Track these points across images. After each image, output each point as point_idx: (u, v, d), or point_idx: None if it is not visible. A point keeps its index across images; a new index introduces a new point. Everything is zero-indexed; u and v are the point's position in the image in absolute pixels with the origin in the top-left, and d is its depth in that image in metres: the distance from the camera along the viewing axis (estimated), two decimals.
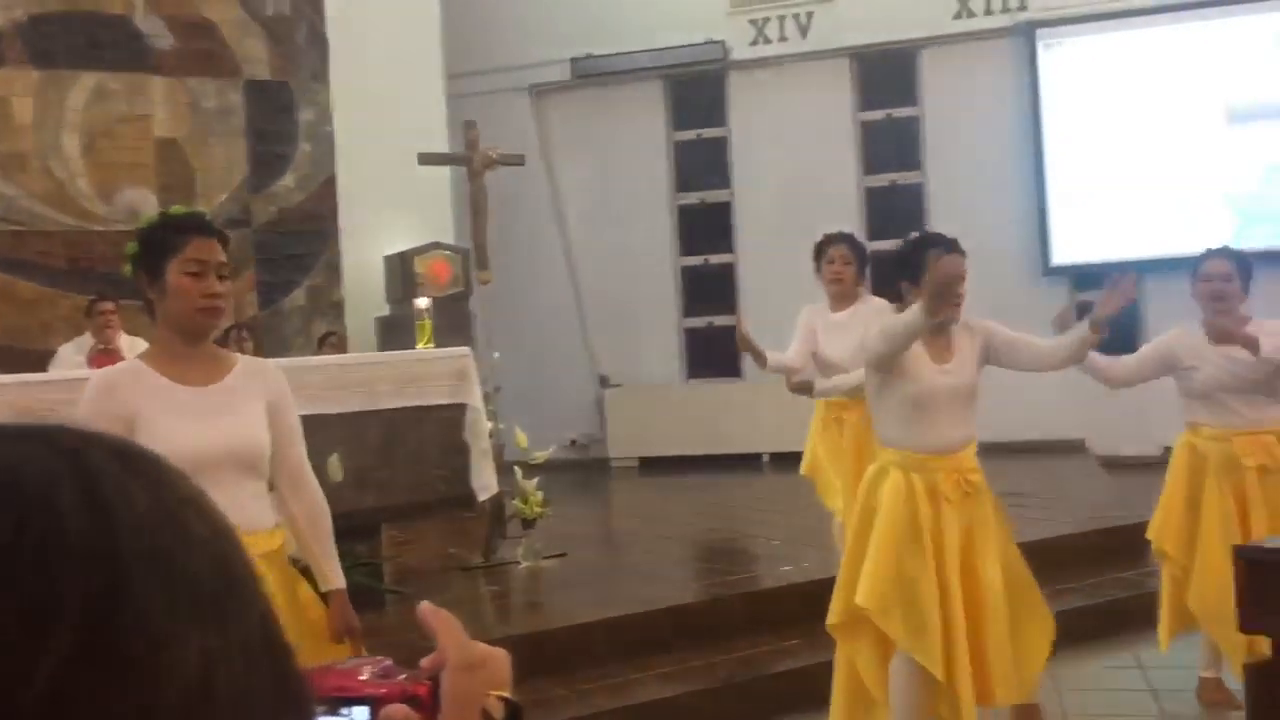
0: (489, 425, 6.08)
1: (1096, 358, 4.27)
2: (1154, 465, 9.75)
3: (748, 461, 10.40)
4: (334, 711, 0.84)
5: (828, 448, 5.20)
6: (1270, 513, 4.12)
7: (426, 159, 6.35)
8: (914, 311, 3.48)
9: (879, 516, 3.62)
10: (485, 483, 5.55)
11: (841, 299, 5.17)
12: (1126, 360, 4.53)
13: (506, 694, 0.90)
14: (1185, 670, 4.77)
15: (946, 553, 3.58)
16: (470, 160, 6.28)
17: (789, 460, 10.26)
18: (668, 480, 9.93)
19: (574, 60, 11.03)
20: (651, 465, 10.66)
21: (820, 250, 5.24)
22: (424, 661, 0.91)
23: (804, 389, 5.19)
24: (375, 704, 0.86)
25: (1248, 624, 2.37)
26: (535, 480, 6.09)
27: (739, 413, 10.53)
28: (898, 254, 3.92)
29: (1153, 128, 9.78)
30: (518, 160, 6.56)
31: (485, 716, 0.87)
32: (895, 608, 3.53)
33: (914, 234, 4.25)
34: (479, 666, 0.88)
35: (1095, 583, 5.81)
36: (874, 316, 4.94)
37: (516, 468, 6.15)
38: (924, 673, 3.57)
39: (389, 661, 0.95)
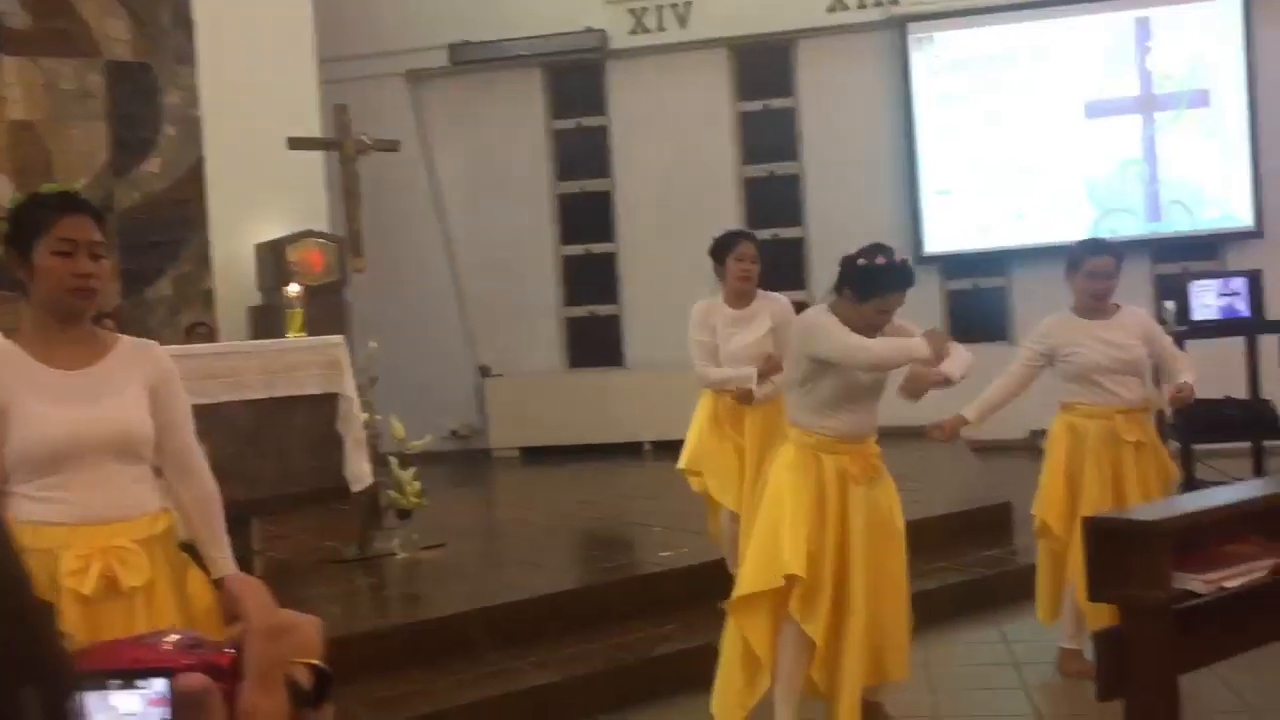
0: (364, 415, 5.98)
1: (992, 399, 4.60)
2: (1021, 449, 10.13)
3: (630, 450, 10.43)
4: (131, 683, 0.80)
5: (721, 442, 5.14)
6: (1143, 487, 4.40)
7: (296, 143, 6.19)
8: (921, 349, 3.71)
9: (790, 493, 3.74)
10: (359, 474, 5.45)
11: (744, 296, 5.18)
12: (1014, 374, 4.67)
13: (316, 662, 0.87)
14: (1047, 643, 4.94)
15: (851, 531, 3.74)
16: (342, 145, 6.14)
17: (671, 448, 10.32)
18: (549, 470, 9.90)
19: (452, 46, 10.89)
20: (533, 455, 10.62)
21: (727, 247, 5.19)
22: (228, 630, 0.88)
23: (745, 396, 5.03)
24: (173, 674, 0.82)
25: (1096, 593, 2.45)
26: (412, 471, 6.00)
27: (620, 401, 10.55)
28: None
29: (1017, 120, 10.08)
30: (392, 146, 6.44)
31: (291, 684, 0.84)
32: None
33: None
34: (283, 633, 0.85)
35: (963, 561, 5.97)
36: (782, 313, 5.00)
37: (392, 458, 6.05)
38: (807, 642, 3.73)
39: (196, 633, 0.91)
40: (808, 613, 3.68)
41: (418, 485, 5.99)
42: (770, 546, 3.74)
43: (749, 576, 3.84)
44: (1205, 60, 9.79)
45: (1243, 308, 6.79)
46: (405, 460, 6.05)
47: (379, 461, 6.10)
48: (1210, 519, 2.52)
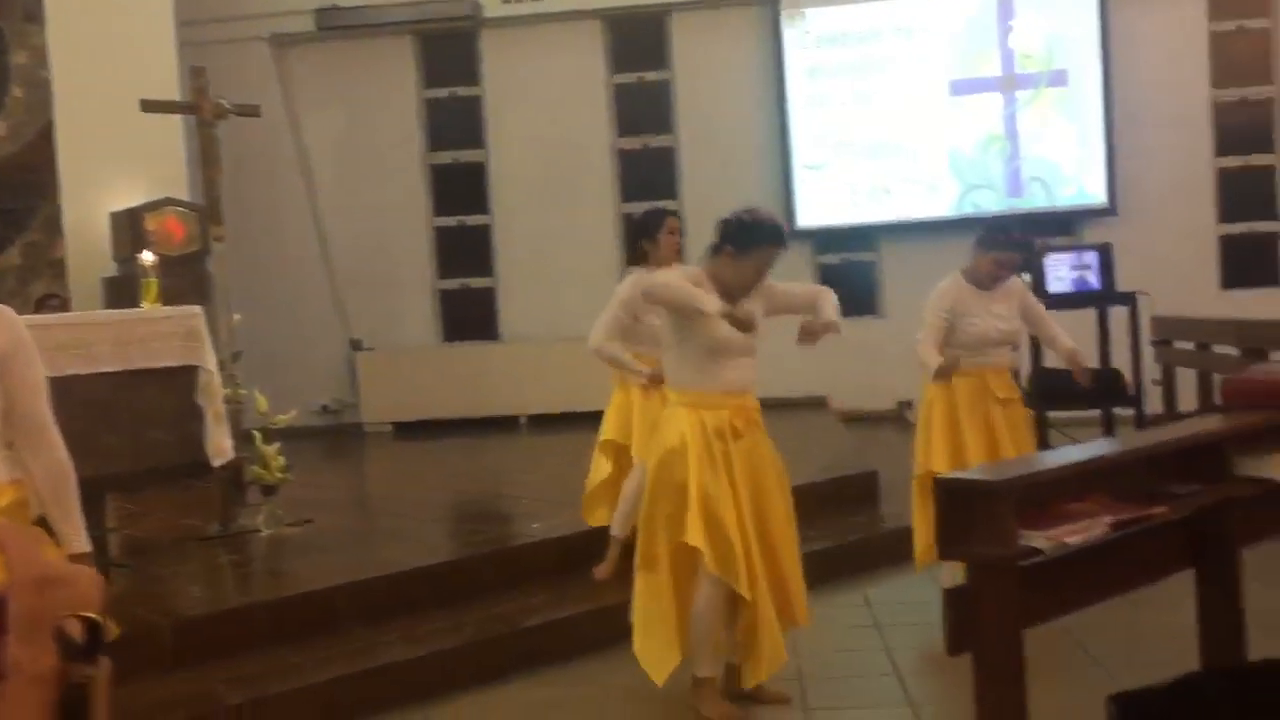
0: (227, 389, 5.81)
1: (922, 354, 4.82)
2: (888, 419, 10.39)
3: (506, 424, 10.38)
4: None
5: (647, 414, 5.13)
6: (1015, 442, 4.75)
7: (150, 106, 5.94)
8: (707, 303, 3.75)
9: (680, 454, 3.80)
10: (220, 448, 5.31)
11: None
12: (932, 337, 4.85)
13: (91, 615, 0.83)
14: (908, 606, 5.08)
15: (738, 483, 3.83)
16: (199, 109, 5.91)
17: (547, 422, 10.38)
18: (423, 444, 9.79)
19: (319, 11, 10.61)
20: (407, 430, 10.48)
21: (655, 222, 5.16)
22: None
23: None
24: None
25: (946, 550, 2.51)
26: (276, 445, 5.86)
27: (496, 375, 10.48)
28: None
29: (886, 97, 10.28)
30: (252, 111, 6.24)
31: (62, 636, 0.80)
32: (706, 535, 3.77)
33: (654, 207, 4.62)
34: (54, 585, 0.81)
35: (831, 528, 6.08)
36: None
37: (256, 433, 5.90)
38: (721, 598, 3.83)
39: None
40: (726, 568, 3.75)
41: (282, 460, 5.85)
42: (668, 511, 3.81)
43: (645, 544, 3.88)
44: (1064, 41, 10.11)
45: (1094, 280, 7.05)
46: (269, 435, 5.89)
47: (243, 437, 5.95)
48: (1054, 478, 2.60)
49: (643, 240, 5.15)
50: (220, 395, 5.42)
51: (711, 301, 3.73)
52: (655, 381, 4.77)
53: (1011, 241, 4.92)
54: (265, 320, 9.76)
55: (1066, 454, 2.85)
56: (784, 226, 4.06)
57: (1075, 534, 2.51)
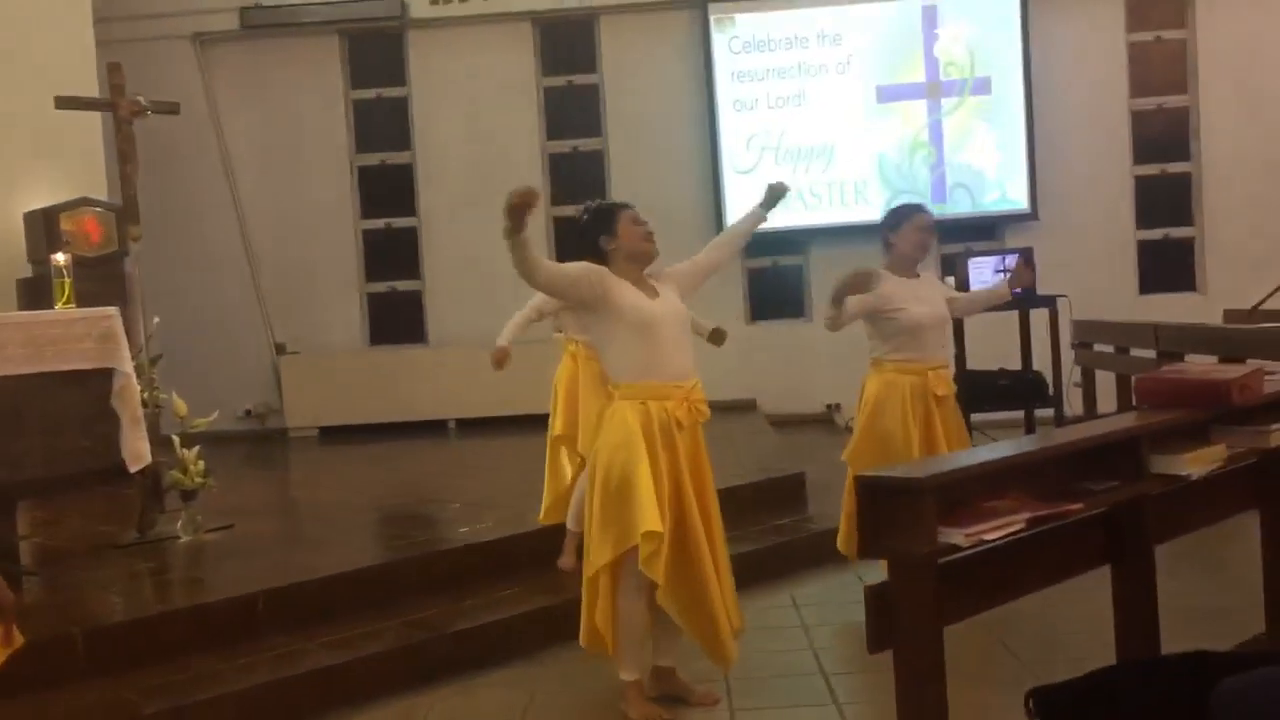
0: (145, 393, 5.68)
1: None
2: (817, 422, 10.47)
3: (434, 429, 10.28)
4: None
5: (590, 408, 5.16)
6: (951, 438, 4.81)
7: (64, 103, 5.79)
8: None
9: (630, 451, 3.75)
10: (137, 453, 5.17)
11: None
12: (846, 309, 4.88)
13: None
14: (834, 606, 5.12)
15: (681, 477, 3.81)
16: (115, 106, 5.78)
17: (476, 426, 10.30)
18: (349, 449, 9.66)
19: (243, 10, 10.44)
20: (333, 435, 10.35)
21: (615, 216, 5.13)
22: None
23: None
24: None
25: (865, 549, 2.53)
26: (196, 449, 5.74)
27: (424, 379, 10.39)
28: (595, 214, 4.06)
29: (814, 103, 10.37)
30: (172, 108, 6.11)
31: None
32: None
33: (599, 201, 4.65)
34: None
35: (759, 529, 6.11)
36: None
37: (174, 437, 5.77)
38: (645, 601, 3.83)
39: None
40: (653, 562, 3.73)
41: (202, 465, 5.72)
42: (621, 510, 3.75)
43: (600, 547, 3.82)
44: (987, 49, 10.28)
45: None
46: (188, 439, 5.77)
47: (161, 441, 5.82)
48: (973, 475, 2.63)
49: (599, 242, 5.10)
50: (137, 398, 5.29)
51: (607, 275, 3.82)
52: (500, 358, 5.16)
53: (914, 206, 5.07)
54: (187, 323, 9.59)
55: (986, 451, 2.89)
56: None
57: (993, 530, 2.54)
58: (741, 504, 6.21)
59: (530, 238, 3.74)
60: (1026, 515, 2.63)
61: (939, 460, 3.11)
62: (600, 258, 3.93)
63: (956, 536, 2.49)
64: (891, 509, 2.48)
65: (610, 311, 3.84)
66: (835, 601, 5.14)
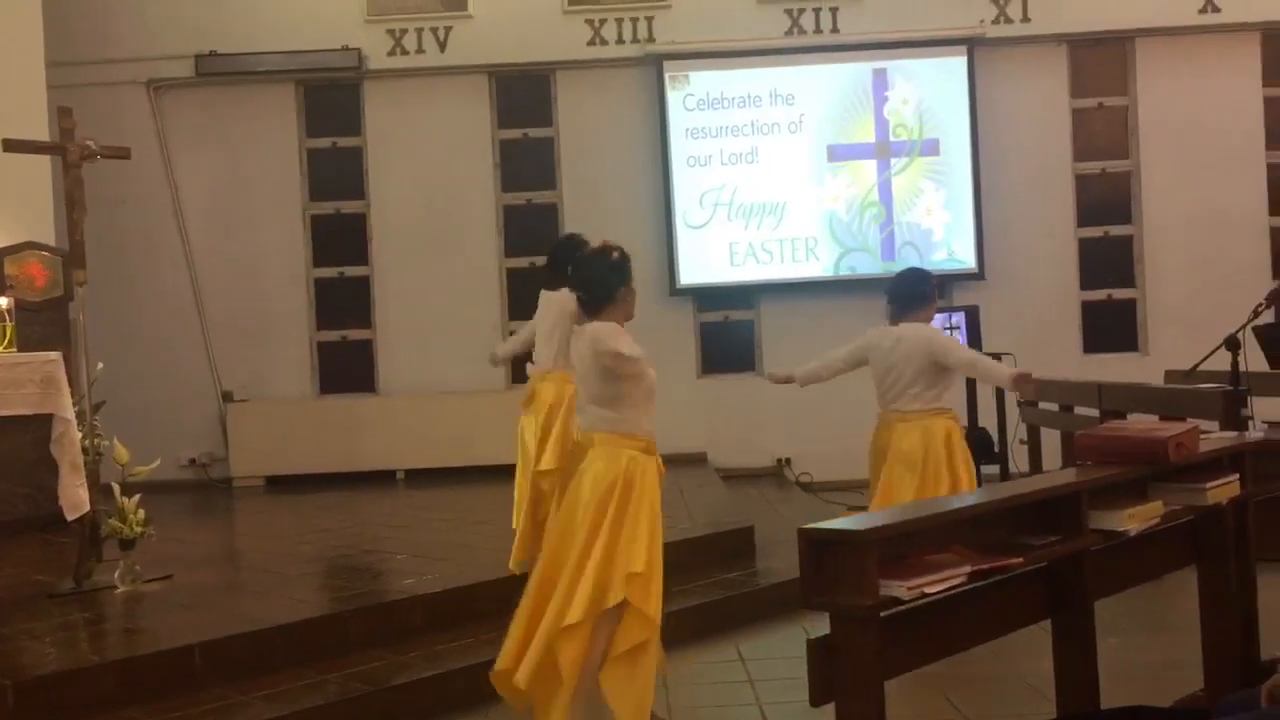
0: (85, 440, 5.58)
1: (796, 373, 5.27)
2: (767, 475, 10.50)
3: (382, 479, 10.19)
4: None
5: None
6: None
7: (12, 146, 5.74)
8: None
9: (646, 501, 3.83)
10: (74, 501, 5.10)
11: None
12: (827, 361, 5.29)
13: None
14: (781, 660, 5.10)
15: None
16: (64, 150, 5.74)
17: (425, 477, 10.22)
18: (295, 499, 9.53)
19: (198, 57, 10.44)
20: (279, 484, 10.21)
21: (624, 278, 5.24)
22: None
23: None
24: None
25: (809, 600, 2.53)
26: (136, 497, 5.64)
27: (373, 429, 10.31)
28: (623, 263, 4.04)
29: (767, 160, 10.51)
30: (122, 153, 6.07)
31: None
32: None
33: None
34: None
35: (706, 583, 6.09)
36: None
37: (115, 485, 5.67)
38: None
39: None
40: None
41: (141, 514, 5.62)
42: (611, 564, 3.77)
43: (583, 599, 3.75)
44: (935, 112, 10.49)
45: (962, 340, 7.26)
46: (129, 487, 5.67)
47: (102, 490, 5.72)
48: (915, 529, 2.66)
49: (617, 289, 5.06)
50: (77, 445, 5.22)
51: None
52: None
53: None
54: (133, 369, 9.46)
55: (928, 505, 2.91)
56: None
57: (935, 583, 2.56)
58: (689, 556, 6.21)
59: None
60: (968, 569, 2.65)
61: (881, 514, 3.12)
62: (595, 297, 3.95)
63: (899, 589, 2.51)
64: (834, 562, 2.49)
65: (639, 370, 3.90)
66: (781, 656, 5.12)
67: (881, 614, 2.57)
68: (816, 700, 2.53)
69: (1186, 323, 10.05)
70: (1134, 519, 3.11)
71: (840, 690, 2.50)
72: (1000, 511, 2.91)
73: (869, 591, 2.47)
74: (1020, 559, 2.78)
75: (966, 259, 10.50)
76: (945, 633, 2.81)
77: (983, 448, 7.12)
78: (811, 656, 2.51)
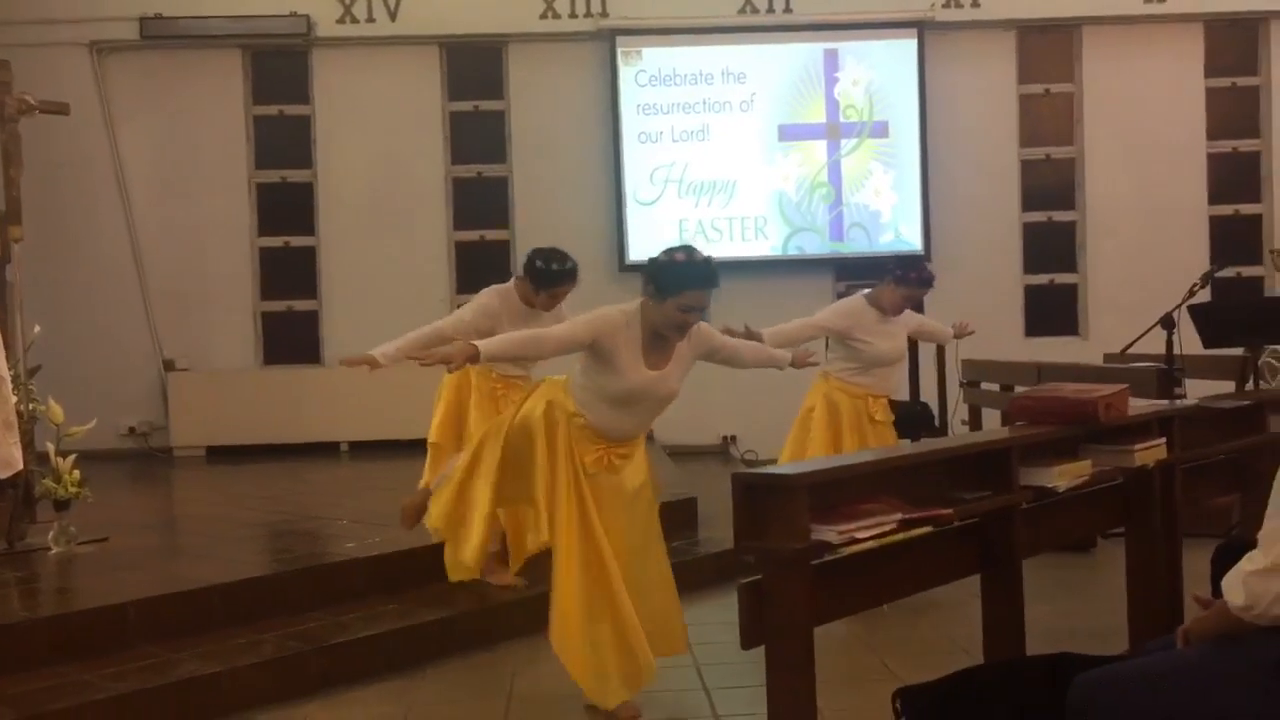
0: (21, 405, 5.49)
1: (787, 331, 5.27)
2: (713, 453, 10.55)
3: (326, 450, 10.12)
4: None
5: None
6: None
7: None
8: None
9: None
10: (7, 459, 4.96)
11: None
12: (790, 326, 5.34)
13: None
14: (721, 626, 5.12)
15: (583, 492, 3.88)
16: (1, 103, 5.63)
17: (369, 449, 10.15)
18: (237, 469, 9.43)
19: (143, 19, 10.26)
20: (221, 454, 10.10)
21: (551, 280, 5.15)
22: None
23: None
24: None
25: (741, 545, 2.56)
26: (71, 458, 5.56)
27: (318, 400, 10.21)
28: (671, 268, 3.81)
29: (718, 138, 10.53)
30: (61, 108, 5.97)
31: None
32: None
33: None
34: None
35: None
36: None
37: (49, 444, 5.58)
38: None
39: None
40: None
41: (77, 474, 5.55)
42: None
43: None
44: (885, 94, 10.56)
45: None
46: (64, 449, 5.59)
47: (37, 457, 5.64)
48: (847, 476, 2.69)
49: (530, 280, 5.08)
50: (10, 403, 5.10)
51: None
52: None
53: (921, 280, 5.55)
54: (72, 336, 9.31)
55: (861, 455, 2.95)
56: (711, 265, 3.78)
57: (865, 529, 2.60)
58: None
59: (502, 341, 3.88)
60: (899, 516, 2.69)
61: (814, 461, 3.17)
62: (651, 294, 3.76)
63: (829, 534, 2.54)
64: (766, 507, 2.52)
65: (601, 365, 3.79)
66: (723, 621, 5.13)
67: (813, 560, 2.60)
68: (746, 643, 2.55)
69: (1126, 308, 10.19)
70: (1063, 476, 3.17)
71: (770, 633, 2.52)
72: (934, 464, 2.96)
73: (800, 536, 2.50)
74: (951, 510, 2.82)
75: (913, 241, 10.59)
76: (876, 582, 2.85)
77: (924, 422, 7.20)
78: (742, 600, 2.54)
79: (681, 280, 3.69)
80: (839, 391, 5.43)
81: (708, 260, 3.76)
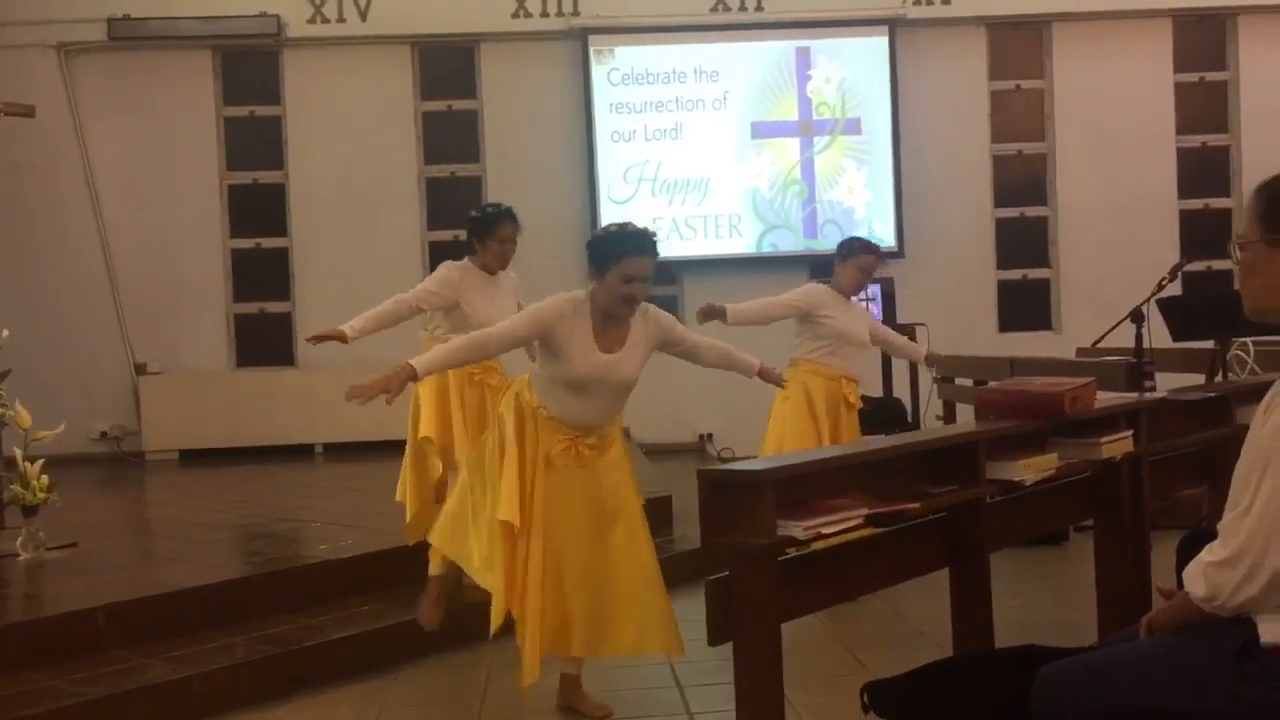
0: None
1: (752, 308, 5.35)
2: (689, 451, 10.55)
3: (300, 453, 10.07)
4: None
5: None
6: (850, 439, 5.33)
7: None
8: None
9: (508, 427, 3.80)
10: None
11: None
12: (776, 305, 5.44)
13: None
14: (694, 623, 5.10)
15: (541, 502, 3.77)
16: None
17: (344, 451, 10.11)
18: (210, 472, 9.38)
19: (111, 20, 10.18)
20: (194, 458, 10.04)
21: (488, 228, 5.07)
22: None
23: None
24: None
25: (708, 541, 2.56)
26: (39, 462, 5.51)
27: (291, 403, 10.17)
28: (604, 241, 3.77)
29: (691, 136, 10.54)
30: (26, 111, 5.93)
31: None
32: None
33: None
34: None
35: None
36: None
37: (17, 449, 5.54)
38: None
39: None
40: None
41: (45, 479, 5.50)
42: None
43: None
44: (857, 91, 10.59)
45: (877, 311, 7.38)
46: (32, 454, 5.53)
47: (4, 462, 5.59)
48: (813, 471, 2.69)
49: (474, 239, 5.10)
50: None
51: None
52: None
53: (865, 246, 5.58)
54: (41, 339, 9.25)
55: (827, 450, 2.95)
56: (647, 233, 3.71)
57: (831, 524, 2.60)
58: None
59: (439, 353, 3.79)
60: (865, 511, 2.70)
61: (781, 457, 3.17)
62: (593, 273, 3.72)
63: (795, 529, 2.54)
64: (732, 503, 2.52)
65: (553, 355, 3.74)
66: (695, 618, 5.13)
67: (779, 556, 2.61)
68: (714, 639, 2.56)
69: (1098, 302, 10.27)
70: (1029, 469, 3.18)
71: (737, 629, 2.53)
72: (901, 459, 2.97)
73: (766, 531, 2.50)
74: (917, 504, 2.83)
75: (887, 237, 10.61)
76: (843, 577, 2.86)
77: (895, 418, 7.23)
78: (710, 596, 2.54)
79: (617, 248, 3.67)
80: (812, 375, 5.40)
81: (643, 230, 3.75)
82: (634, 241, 3.69)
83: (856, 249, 5.52)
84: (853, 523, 2.66)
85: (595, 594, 3.84)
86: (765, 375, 4.44)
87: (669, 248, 10.59)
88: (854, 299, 5.63)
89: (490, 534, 3.80)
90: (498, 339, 3.80)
